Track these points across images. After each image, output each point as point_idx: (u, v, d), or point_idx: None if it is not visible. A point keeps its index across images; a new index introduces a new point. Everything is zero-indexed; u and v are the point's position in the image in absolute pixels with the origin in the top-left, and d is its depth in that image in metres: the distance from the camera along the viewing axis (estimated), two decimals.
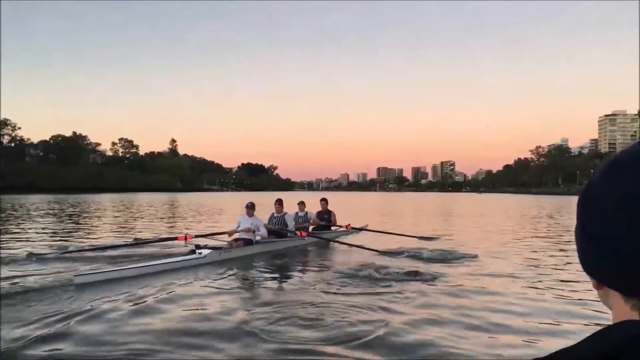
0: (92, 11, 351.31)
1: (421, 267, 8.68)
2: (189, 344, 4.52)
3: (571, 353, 0.47)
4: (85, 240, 13.57)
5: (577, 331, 4.94)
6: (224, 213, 29.22)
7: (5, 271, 8.07)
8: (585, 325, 5.24)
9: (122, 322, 5.16)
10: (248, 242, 10.50)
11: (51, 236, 14.67)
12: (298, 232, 11.77)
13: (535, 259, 10.05)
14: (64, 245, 12.02)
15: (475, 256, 9.84)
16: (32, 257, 9.70)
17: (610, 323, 0.48)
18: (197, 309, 5.80)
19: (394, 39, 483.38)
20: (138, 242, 11.82)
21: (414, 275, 7.81)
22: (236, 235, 10.50)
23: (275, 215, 12.04)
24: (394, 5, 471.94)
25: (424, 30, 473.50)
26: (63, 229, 17.12)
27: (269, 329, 4.93)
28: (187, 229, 16.81)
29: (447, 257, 9.54)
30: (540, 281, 7.64)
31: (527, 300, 6.35)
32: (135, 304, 5.95)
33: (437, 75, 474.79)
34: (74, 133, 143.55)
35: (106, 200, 51.60)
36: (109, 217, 24.65)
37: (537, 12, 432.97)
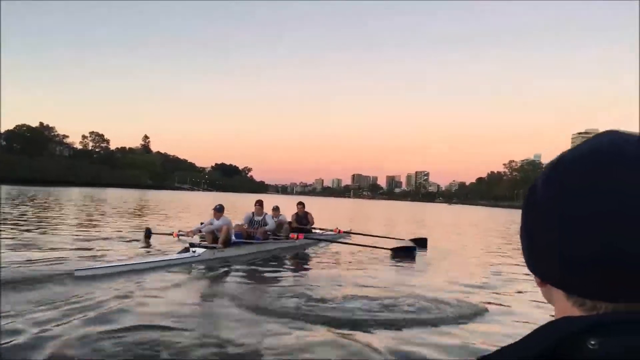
0: (66, 1, 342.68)
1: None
2: (183, 340, 4.51)
3: (515, 349, 0.48)
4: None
5: None
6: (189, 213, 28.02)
7: (11, 257, 8.30)
8: None
9: (117, 317, 5.17)
10: (226, 241, 10.40)
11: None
12: (292, 235, 11.83)
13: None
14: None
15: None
16: (149, 233, 12.29)
17: (553, 319, 0.49)
18: (192, 306, 5.89)
19: (370, 47, 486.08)
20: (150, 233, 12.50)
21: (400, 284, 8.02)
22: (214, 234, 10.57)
23: (257, 217, 11.66)
24: (376, 12, 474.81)
25: (401, 38, 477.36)
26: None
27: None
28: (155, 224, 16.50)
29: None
30: None
31: None
32: (131, 300, 6.00)
33: (413, 84, 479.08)
34: (41, 124, 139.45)
35: (72, 195, 49.29)
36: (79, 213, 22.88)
37: (516, 26, 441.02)
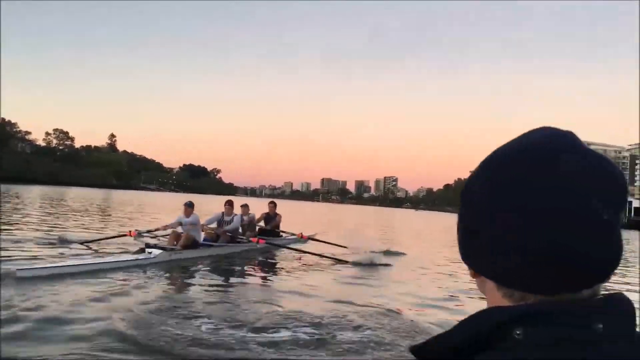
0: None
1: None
2: (125, 346, 4.35)
3: (445, 338, 0.51)
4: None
5: None
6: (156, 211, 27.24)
7: None
8: None
9: (57, 322, 4.93)
10: (191, 242, 10.18)
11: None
12: (254, 239, 11.46)
13: None
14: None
15: None
16: (63, 241, 10.50)
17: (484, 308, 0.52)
18: (139, 311, 5.49)
19: (342, 51, 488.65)
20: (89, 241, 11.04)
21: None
22: (177, 233, 10.23)
23: (226, 217, 11.63)
24: (353, 16, 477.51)
25: (373, 43, 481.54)
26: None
27: (211, 334, 4.76)
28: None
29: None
30: None
31: None
32: (76, 303, 5.69)
33: (382, 89, 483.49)
34: (2, 119, 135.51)
35: (27, 193, 47.51)
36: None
37: (486, 30, 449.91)
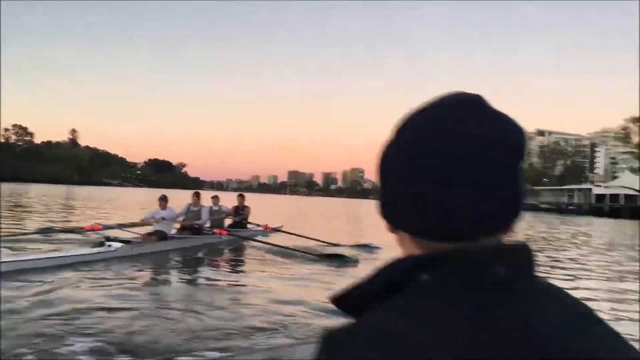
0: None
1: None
2: (80, 345, 4.06)
3: (360, 287, 0.56)
4: None
5: None
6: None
7: None
8: None
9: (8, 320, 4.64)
10: (162, 236, 10.16)
11: None
12: (217, 231, 11.44)
13: None
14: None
15: None
16: None
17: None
18: (96, 308, 5.27)
19: (311, 46, 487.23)
20: (48, 231, 10.98)
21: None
22: (150, 229, 10.28)
23: (192, 208, 11.73)
24: (332, 13, 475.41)
25: (336, 37, 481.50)
26: None
27: (170, 333, 4.46)
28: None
29: None
30: None
31: None
32: (27, 300, 5.42)
33: (347, 83, 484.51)
34: None
35: None
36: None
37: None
